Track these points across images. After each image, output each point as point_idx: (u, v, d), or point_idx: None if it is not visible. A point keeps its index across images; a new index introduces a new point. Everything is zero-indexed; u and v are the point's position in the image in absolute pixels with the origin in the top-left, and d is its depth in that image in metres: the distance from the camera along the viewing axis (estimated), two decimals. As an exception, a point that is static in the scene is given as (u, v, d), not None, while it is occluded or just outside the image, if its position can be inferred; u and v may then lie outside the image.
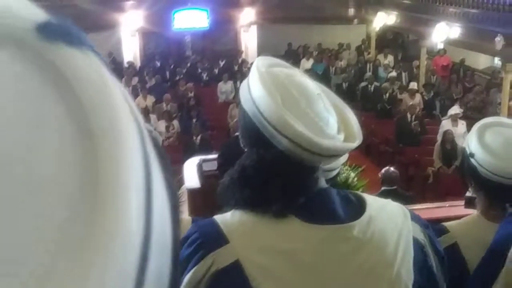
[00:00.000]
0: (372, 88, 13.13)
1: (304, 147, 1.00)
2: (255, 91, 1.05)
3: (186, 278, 0.99)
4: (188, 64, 15.49)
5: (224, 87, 13.40)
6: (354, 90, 13.73)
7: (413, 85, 12.30)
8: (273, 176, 1.04)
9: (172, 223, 0.31)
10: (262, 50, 15.24)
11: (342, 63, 15.83)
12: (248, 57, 15.77)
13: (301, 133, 0.99)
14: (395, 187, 6.13)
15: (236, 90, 11.70)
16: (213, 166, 4.36)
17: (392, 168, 6.33)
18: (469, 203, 1.80)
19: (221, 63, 15.61)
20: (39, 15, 0.30)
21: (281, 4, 16.21)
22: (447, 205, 3.84)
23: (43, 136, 0.26)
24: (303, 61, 15.52)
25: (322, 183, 1.10)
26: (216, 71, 15.12)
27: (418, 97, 11.95)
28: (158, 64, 15.59)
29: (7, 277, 0.22)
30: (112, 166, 0.26)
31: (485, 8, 11.34)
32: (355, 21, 17.78)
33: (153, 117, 10.83)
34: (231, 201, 1.07)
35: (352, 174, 3.77)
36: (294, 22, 16.33)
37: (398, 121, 10.84)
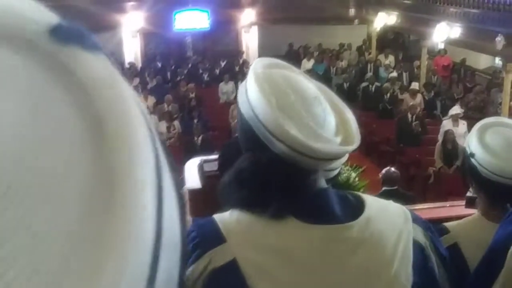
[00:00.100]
0: (373, 88, 13.12)
1: (299, 151, 1.00)
2: (251, 94, 1.04)
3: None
4: (189, 65, 15.49)
5: (225, 88, 13.40)
6: (355, 90, 13.73)
7: (415, 85, 12.30)
8: (269, 179, 1.04)
9: (180, 222, 0.32)
10: (263, 50, 15.26)
11: (343, 64, 15.83)
12: (249, 58, 15.77)
13: (296, 137, 0.99)
14: (396, 187, 6.13)
15: (237, 90, 11.68)
16: (214, 166, 4.36)
17: (393, 168, 6.33)
18: (470, 203, 1.80)
19: (222, 64, 15.61)
20: (51, 17, 0.30)
21: (282, 4, 16.20)
22: (448, 205, 3.85)
23: (57, 136, 0.27)
24: (304, 61, 15.52)
25: (322, 183, 1.10)
26: (217, 71, 15.12)
27: (419, 97, 11.95)
28: (159, 65, 15.59)
29: (22, 276, 0.23)
30: (125, 166, 0.27)
31: (485, 8, 11.33)
32: (356, 21, 17.76)
33: (154, 118, 10.83)
34: (230, 201, 1.07)
35: (353, 174, 3.76)
36: (295, 22, 16.32)
37: (398, 121, 10.83)
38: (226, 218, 1.07)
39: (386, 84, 12.75)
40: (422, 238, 1.11)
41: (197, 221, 1.10)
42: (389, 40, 18.35)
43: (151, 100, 12.16)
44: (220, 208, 1.10)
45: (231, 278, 0.99)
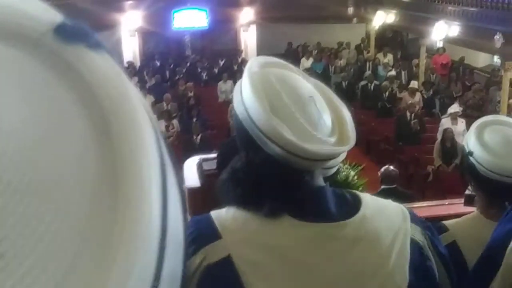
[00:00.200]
0: (372, 87, 13.12)
1: (292, 153, 1.00)
2: (245, 95, 1.04)
3: None
4: (188, 64, 15.49)
5: (224, 87, 13.39)
6: (353, 89, 13.73)
7: (414, 83, 12.30)
8: (262, 179, 1.05)
9: (183, 221, 0.32)
10: (262, 49, 15.28)
11: (342, 62, 15.82)
12: (248, 57, 15.75)
13: (289, 139, 0.99)
14: (394, 185, 6.12)
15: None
16: (213, 165, 4.36)
17: (391, 167, 6.33)
18: (469, 201, 1.80)
19: (221, 63, 15.61)
20: (55, 16, 0.30)
21: (280, 3, 16.19)
22: (447, 203, 3.84)
23: (63, 134, 0.27)
24: (303, 60, 15.52)
25: (319, 182, 1.10)
26: (216, 70, 15.12)
27: (418, 96, 11.95)
28: (158, 63, 15.58)
29: (33, 272, 0.23)
30: (131, 164, 0.27)
31: (484, 6, 11.34)
32: (355, 20, 17.77)
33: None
34: (226, 199, 1.08)
35: (352, 173, 3.77)
36: (294, 21, 16.32)
37: (397, 119, 10.83)
38: (222, 215, 1.07)
39: (385, 83, 12.74)
40: (420, 238, 1.11)
41: (194, 217, 1.11)
42: (388, 39, 18.35)
43: (150, 99, 12.14)
44: (219, 207, 1.11)
45: (226, 274, 0.99)
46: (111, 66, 0.30)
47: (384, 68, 14.70)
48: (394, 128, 10.68)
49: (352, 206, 1.08)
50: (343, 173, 3.55)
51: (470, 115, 10.08)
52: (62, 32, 0.30)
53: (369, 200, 1.12)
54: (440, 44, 15.16)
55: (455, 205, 3.33)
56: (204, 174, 4.37)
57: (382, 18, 15.64)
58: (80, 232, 0.24)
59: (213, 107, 12.73)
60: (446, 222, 1.69)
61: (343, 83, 13.82)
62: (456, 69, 15.12)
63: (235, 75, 13.50)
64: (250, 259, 1.00)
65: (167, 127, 10.67)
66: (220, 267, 1.00)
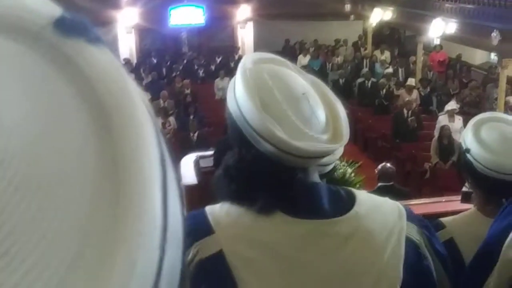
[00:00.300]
0: (369, 84, 13.13)
1: (284, 150, 1.00)
2: (238, 91, 1.04)
3: None
4: (185, 61, 15.48)
5: (221, 84, 13.38)
6: (351, 86, 13.74)
7: (411, 81, 12.31)
8: (254, 176, 1.05)
9: (182, 217, 0.32)
10: (259, 46, 15.25)
11: (339, 59, 15.84)
12: (245, 54, 15.62)
13: (279, 137, 0.98)
14: (391, 183, 6.13)
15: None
16: (210, 162, 4.36)
17: (388, 164, 6.33)
18: (466, 198, 1.80)
19: (218, 60, 15.60)
20: (55, 9, 0.30)
21: (277, 0, 16.18)
22: (444, 200, 3.86)
23: (64, 129, 0.27)
24: (300, 57, 15.52)
25: (313, 178, 1.10)
26: (213, 67, 15.11)
27: (415, 93, 11.97)
28: (155, 61, 15.56)
29: (36, 269, 0.23)
30: (132, 160, 0.27)
31: (481, 3, 11.35)
32: (352, 17, 17.78)
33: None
34: (221, 194, 1.09)
35: (349, 170, 3.77)
36: (291, 18, 16.32)
37: (394, 117, 10.84)
38: (216, 210, 1.08)
39: (382, 80, 12.75)
40: (416, 236, 1.11)
41: (189, 212, 1.11)
42: (385, 36, 18.37)
43: (146, 96, 12.12)
44: (215, 203, 1.11)
45: (217, 269, 1.00)
46: (110, 60, 0.30)
47: (381, 65, 14.71)
48: (391, 126, 10.70)
49: (346, 203, 1.08)
50: (340, 171, 3.55)
51: (467, 112, 10.10)
52: (61, 25, 0.30)
53: (364, 198, 1.11)
54: (437, 41, 15.18)
55: (452, 202, 3.34)
56: (201, 171, 4.37)
57: (379, 15, 15.65)
58: (81, 228, 0.24)
59: (210, 104, 12.72)
60: (443, 219, 1.69)
61: (340, 80, 13.82)
62: (453, 66, 15.14)
63: (232, 72, 13.43)
64: (242, 255, 1.01)
65: (163, 124, 10.66)
66: (212, 262, 1.00)
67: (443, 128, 9.11)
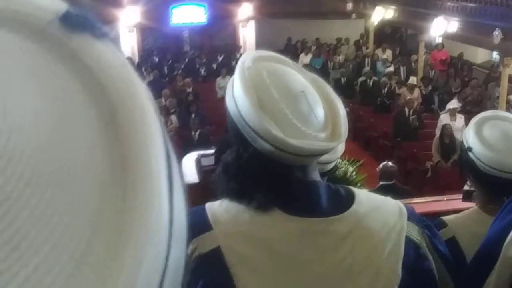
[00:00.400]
0: (371, 83, 13.12)
1: (280, 148, 1.00)
2: (236, 89, 1.05)
3: None
4: (186, 60, 15.47)
5: (223, 82, 13.36)
6: (352, 85, 13.73)
7: (412, 79, 12.29)
8: (251, 173, 1.05)
9: (185, 211, 0.32)
10: (260, 45, 15.22)
11: (341, 58, 15.82)
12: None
13: (275, 135, 0.99)
14: (393, 181, 6.13)
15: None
16: (212, 161, 4.36)
17: (390, 163, 6.32)
18: (467, 197, 1.81)
19: (219, 58, 15.60)
20: (60, 5, 0.30)
21: (279, -1, 16.19)
22: (445, 199, 3.86)
23: (72, 124, 0.27)
24: (302, 55, 15.52)
25: (312, 176, 1.10)
26: (214, 66, 15.11)
27: (416, 92, 11.95)
28: (156, 59, 15.56)
29: (47, 262, 0.23)
30: (140, 155, 0.27)
31: (483, 2, 11.33)
32: (353, 15, 17.76)
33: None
34: (220, 191, 1.09)
35: (351, 169, 3.77)
36: (292, 17, 16.31)
37: (396, 115, 10.83)
38: (215, 207, 1.09)
39: (384, 79, 12.74)
40: (417, 236, 1.11)
41: (189, 209, 1.12)
42: (387, 35, 18.34)
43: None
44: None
45: (215, 265, 1.01)
46: (116, 55, 0.30)
47: (383, 64, 14.70)
48: (393, 124, 10.69)
49: (345, 202, 1.08)
50: (342, 169, 3.56)
51: (469, 111, 10.09)
52: (67, 21, 0.30)
53: (363, 197, 1.11)
54: (439, 40, 15.16)
55: (454, 201, 3.34)
56: (202, 170, 4.37)
57: (381, 13, 15.63)
58: (90, 223, 0.25)
59: (212, 103, 12.71)
60: (445, 218, 1.69)
61: (342, 79, 13.82)
62: (454, 65, 15.12)
63: (233, 71, 13.23)
64: (239, 251, 1.02)
65: (165, 123, 10.65)
66: (209, 258, 1.01)
67: (444, 126, 9.10)
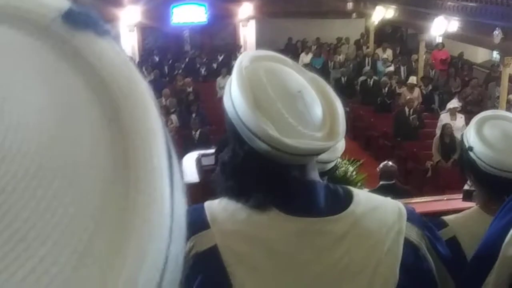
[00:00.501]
0: (371, 83, 13.12)
1: (276, 148, 1.00)
2: (233, 89, 1.05)
3: None
4: (187, 59, 15.48)
5: (223, 82, 13.34)
6: (353, 85, 13.73)
7: (412, 79, 12.29)
8: (248, 172, 1.06)
9: (185, 208, 0.32)
10: (261, 44, 15.23)
11: (341, 57, 15.82)
12: (247, 52, 15.71)
13: (271, 134, 0.99)
14: (393, 181, 6.12)
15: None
16: (212, 160, 4.36)
17: (390, 163, 6.32)
18: (467, 197, 1.80)
19: (220, 58, 15.60)
20: (63, 2, 0.31)
21: (280, -2, 16.19)
22: (445, 198, 3.85)
23: (76, 120, 0.27)
24: (302, 55, 15.53)
25: (311, 176, 1.09)
26: (215, 66, 15.11)
27: (416, 91, 11.95)
28: (157, 59, 15.57)
29: (52, 254, 0.23)
30: (143, 152, 0.27)
31: (483, 1, 11.33)
32: (354, 15, 17.75)
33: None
34: (219, 190, 1.10)
35: (351, 168, 3.77)
36: (293, 16, 16.31)
37: (396, 115, 10.83)
38: (214, 205, 1.09)
39: (384, 78, 12.74)
40: (416, 238, 1.10)
41: (189, 207, 1.13)
42: (387, 34, 18.34)
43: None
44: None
45: (211, 263, 1.01)
46: (118, 53, 0.31)
47: (383, 63, 14.70)
48: (393, 124, 10.68)
49: (342, 202, 1.08)
50: (342, 169, 3.55)
51: (469, 111, 10.09)
52: (70, 18, 0.30)
53: (362, 197, 1.11)
54: (439, 40, 15.15)
55: (454, 201, 3.33)
56: (203, 169, 4.37)
57: (382, 13, 15.62)
58: (94, 216, 0.25)
59: (212, 102, 12.70)
60: (446, 218, 1.69)
61: (342, 79, 13.81)
62: (455, 64, 15.11)
63: (234, 70, 13.45)
64: (236, 250, 1.02)
65: (166, 122, 10.57)
66: (206, 256, 1.02)
67: (445, 126, 9.10)
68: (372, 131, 11.33)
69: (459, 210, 1.78)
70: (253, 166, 1.05)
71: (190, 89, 12.59)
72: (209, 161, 4.47)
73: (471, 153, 1.60)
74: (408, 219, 1.10)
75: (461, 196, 1.89)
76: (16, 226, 0.23)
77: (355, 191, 1.13)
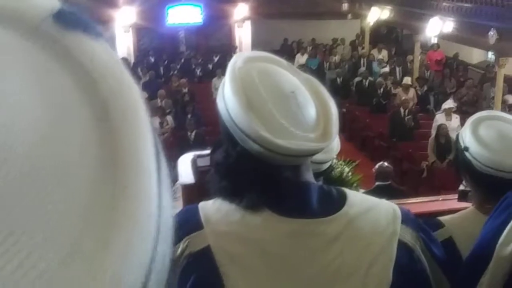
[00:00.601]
0: (366, 83, 13.14)
1: (269, 149, 1.00)
2: (225, 90, 1.05)
3: None
4: (182, 60, 15.46)
5: (218, 83, 13.20)
6: (348, 85, 13.75)
7: (407, 80, 12.32)
8: (240, 173, 1.06)
9: (172, 208, 0.32)
10: (256, 45, 15.24)
11: (336, 58, 15.84)
12: (242, 53, 15.71)
13: (263, 136, 0.98)
14: (389, 182, 6.13)
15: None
16: (208, 161, 4.35)
17: (386, 163, 6.33)
18: (463, 197, 1.81)
19: (215, 59, 15.59)
20: (54, 3, 0.31)
21: (275, -1, 16.21)
22: (441, 199, 3.85)
23: (66, 120, 0.27)
24: (298, 56, 15.55)
25: (305, 177, 1.09)
26: (210, 66, 15.10)
27: (411, 92, 11.97)
28: (152, 60, 15.56)
29: (42, 248, 0.24)
30: (131, 152, 0.28)
31: (478, 2, 11.37)
32: (349, 16, 17.78)
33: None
34: (214, 190, 1.10)
35: (346, 169, 3.77)
36: (288, 17, 16.33)
37: (391, 116, 10.86)
38: (208, 206, 1.10)
39: (379, 79, 12.76)
40: (410, 240, 1.10)
41: (184, 207, 1.14)
42: (382, 35, 18.38)
43: (144, 95, 12.09)
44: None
45: (204, 264, 1.02)
46: (109, 53, 0.31)
47: (379, 64, 14.73)
48: (388, 125, 10.70)
49: (336, 203, 1.08)
50: (338, 169, 3.55)
51: (464, 111, 10.11)
52: (61, 18, 0.30)
53: (356, 198, 1.11)
54: (434, 40, 15.19)
55: (449, 201, 3.33)
56: (198, 171, 4.36)
57: (377, 14, 15.66)
58: (82, 215, 0.25)
59: (208, 103, 12.66)
60: (442, 218, 1.69)
61: (338, 79, 13.83)
62: (450, 65, 15.16)
63: (229, 71, 13.43)
64: (229, 251, 1.02)
65: (161, 123, 10.65)
66: (199, 256, 1.03)
67: (440, 127, 9.12)
68: (368, 131, 11.35)
69: (455, 210, 1.79)
70: (246, 167, 1.05)
71: (185, 90, 12.58)
72: (205, 162, 4.46)
73: (466, 154, 1.60)
74: (403, 221, 1.10)
75: (456, 196, 1.89)
76: (7, 221, 0.23)
77: (349, 192, 1.13)
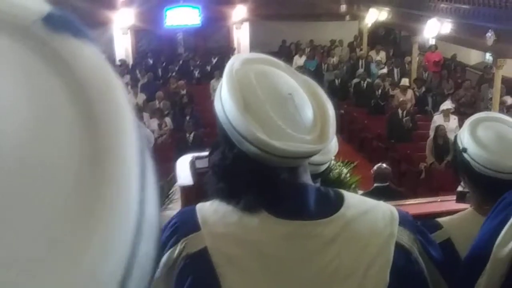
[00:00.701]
0: (364, 85, 13.15)
1: (266, 151, 1.00)
2: (223, 91, 1.05)
3: (163, 259, 1.05)
4: (180, 62, 15.46)
5: (217, 85, 13.00)
6: (346, 87, 13.76)
7: (405, 81, 12.33)
8: (237, 175, 1.06)
9: (157, 206, 0.33)
10: (255, 47, 15.26)
11: (334, 60, 15.85)
12: (240, 54, 15.71)
13: (259, 137, 0.99)
14: (387, 183, 6.12)
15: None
16: (206, 163, 4.35)
17: (384, 165, 6.32)
18: (461, 198, 1.81)
19: (214, 61, 15.58)
20: (44, 6, 0.32)
21: (273, 1, 16.20)
22: (439, 200, 3.86)
23: (53, 120, 0.28)
24: (296, 57, 15.55)
25: (302, 179, 1.09)
26: (208, 68, 15.09)
27: (409, 93, 11.99)
28: (150, 61, 15.55)
29: (27, 239, 0.24)
30: (115, 149, 0.29)
31: (476, 3, 11.38)
32: (347, 17, 17.80)
33: (145, 115, 10.80)
34: (211, 192, 1.10)
35: (345, 170, 3.77)
36: (286, 19, 16.34)
37: (389, 117, 10.86)
38: (206, 207, 1.10)
39: (378, 80, 12.77)
40: (408, 242, 1.09)
41: (182, 209, 1.14)
42: (380, 36, 18.40)
43: (141, 97, 12.11)
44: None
45: (202, 265, 1.02)
46: (96, 55, 0.32)
47: (377, 65, 14.74)
48: (387, 126, 10.71)
49: (333, 205, 1.08)
50: (336, 171, 3.55)
51: (462, 113, 10.12)
52: (50, 21, 0.31)
53: (353, 200, 1.11)
54: (432, 42, 15.21)
55: (447, 202, 3.34)
56: (197, 172, 4.36)
57: (375, 15, 15.67)
58: (65, 208, 0.26)
59: (206, 105, 12.64)
60: (440, 219, 1.69)
61: (336, 81, 13.84)
62: (448, 66, 15.17)
63: (227, 73, 13.43)
64: (226, 252, 1.02)
65: (159, 125, 10.64)
66: (196, 258, 1.03)
67: (438, 128, 9.12)
68: (366, 133, 11.35)
69: (453, 211, 1.79)
70: (243, 168, 1.05)
71: (184, 92, 12.57)
72: (203, 163, 4.45)
73: (465, 155, 1.60)
74: (400, 223, 1.10)
75: (454, 197, 1.89)
76: None
77: (347, 194, 1.13)
